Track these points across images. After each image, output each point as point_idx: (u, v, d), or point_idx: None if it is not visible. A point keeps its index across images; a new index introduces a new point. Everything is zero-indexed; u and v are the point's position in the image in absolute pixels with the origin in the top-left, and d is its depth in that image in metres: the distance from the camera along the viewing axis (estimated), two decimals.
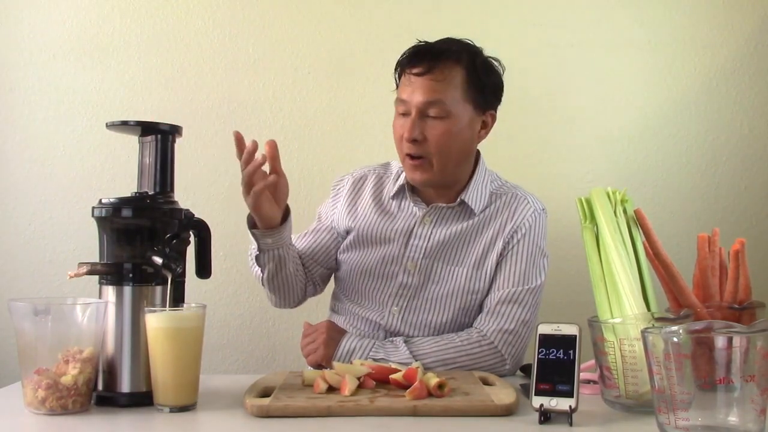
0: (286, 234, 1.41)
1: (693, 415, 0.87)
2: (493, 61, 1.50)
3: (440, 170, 1.45)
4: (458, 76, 1.43)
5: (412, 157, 1.44)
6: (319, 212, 1.63)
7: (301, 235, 1.59)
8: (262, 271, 1.45)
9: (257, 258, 1.44)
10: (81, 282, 1.15)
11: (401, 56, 1.48)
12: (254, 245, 1.43)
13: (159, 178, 1.15)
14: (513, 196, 1.53)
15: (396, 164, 1.60)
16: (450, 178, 1.49)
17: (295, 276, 1.49)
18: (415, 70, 1.43)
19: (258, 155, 1.30)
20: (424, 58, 1.43)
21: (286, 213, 1.40)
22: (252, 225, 1.39)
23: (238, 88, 2.05)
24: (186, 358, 1.05)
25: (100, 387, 1.09)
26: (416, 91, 1.42)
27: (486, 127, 1.51)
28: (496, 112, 1.52)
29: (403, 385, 1.11)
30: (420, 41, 1.48)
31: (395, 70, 1.49)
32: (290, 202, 2.02)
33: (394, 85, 1.52)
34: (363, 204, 1.56)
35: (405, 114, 1.45)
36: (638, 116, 2.05)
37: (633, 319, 1.05)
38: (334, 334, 1.44)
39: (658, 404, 0.90)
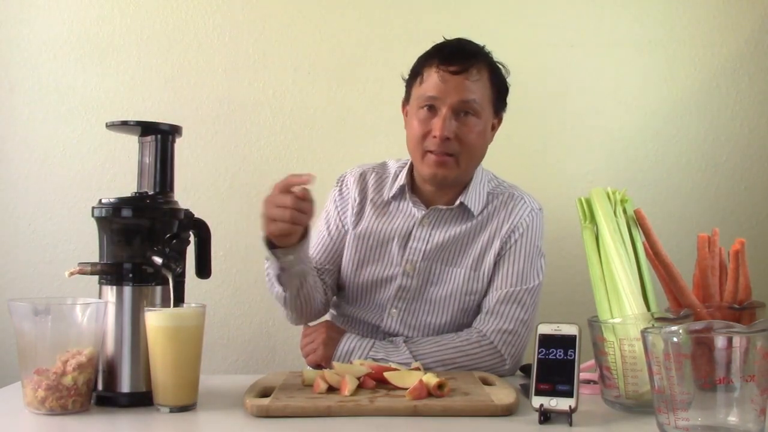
0: (306, 247, 1.36)
1: (693, 415, 0.87)
2: (500, 64, 1.50)
3: (464, 169, 1.46)
4: (486, 78, 1.45)
5: (437, 153, 1.43)
6: (326, 220, 1.58)
7: (312, 246, 1.54)
8: (285, 290, 1.40)
9: (279, 277, 1.38)
10: (81, 282, 1.15)
11: (429, 53, 1.47)
12: (274, 266, 1.36)
13: (159, 178, 1.14)
14: (509, 196, 1.53)
15: (393, 164, 1.60)
16: (466, 178, 1.50)
17: (314, 287, 1.45)
18: (452, 68, 1.42)
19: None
20: (459, 56, 1.43)
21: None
22: (271, 245, 1.32)
23: (238, 88, 2.05)
24: (186, 358, 1.05)
25: (100, 387, 1.09)
26: (452, 89, 1.41)
27: (494, 129, 1.52)
28: (503, 116, 1.54)
29: (384, 380, 1.13)
30: (445, 39, 1.48)
31: (418, 64, 1.48)
32: None
33: (396, 83, 1.52)
34: (365, 203, 1.55)
35: (430, 109, 1.44)
36: (638, 116, 2.05)
37: (633, 319, 1.05)
38: (334, 334, 1.43)
39: (658, 404, 0.90)
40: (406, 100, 1.53)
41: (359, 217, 1.54)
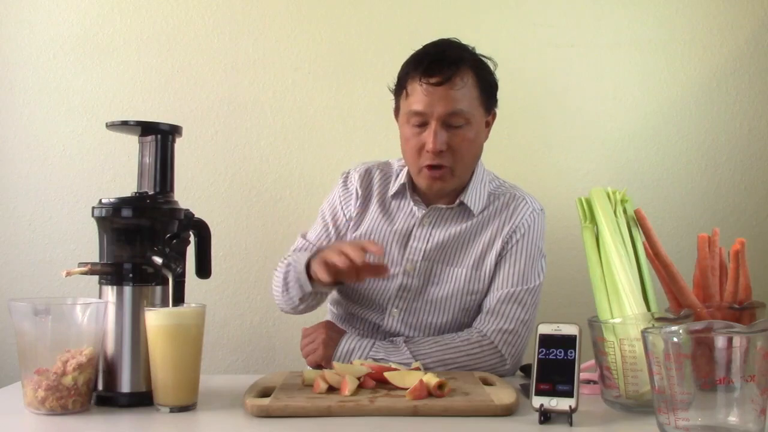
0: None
1: (693, 415, 0.87)
2: (486, 58, 1.48)
3: (459, 177, 1.46)
4: (471, 82, 1.42)
5: (433, 167, 1.42)
6: (331, 210, 1.58)
7: (313, 237, 1.57)
8: (300, 302, 1.44)
9: (303, 297, 1.41)
10: (81, 282, 1.15)
11: (410, 65, 1.44)
12: (303, 288, 1.39)
13: (159, 178, 1.15)
14: (511, 196, 1.53)
15: (396, 163, 1.60)
16: (464, 182, 1.49)
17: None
18: (433, 80, 1.39)
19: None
20: (440, 66, 1.39)
21: None
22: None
23: (238, 88, 2.05)
24: (186, 357, 1.05)
25: (100, 387, 1.09)
26: (437, 102, 1.39)
27: (488, 126, 1.52)
28: (496, 109, 1.52)
29: (384, 380, 1.13)
30: (424, 46, 1.46)
31: (401, 77, 1.46)
32: (290, 202, 2.04)
33: (394, 88, 1.51)
34: (371, 199, 1.55)
35: (421, 125, 1.42)
36: (638, 116, 2.05)
37: (633, 319, 1.05)
38: (334, 334, 1.43)
39: (658, 404, 0.90)
40: (396, 110, 1.52)
41: (362, 213, 1.54)
